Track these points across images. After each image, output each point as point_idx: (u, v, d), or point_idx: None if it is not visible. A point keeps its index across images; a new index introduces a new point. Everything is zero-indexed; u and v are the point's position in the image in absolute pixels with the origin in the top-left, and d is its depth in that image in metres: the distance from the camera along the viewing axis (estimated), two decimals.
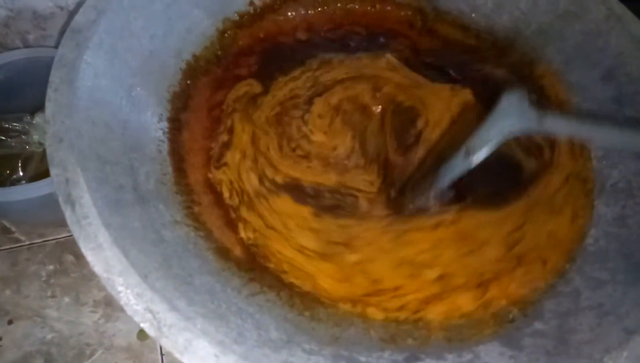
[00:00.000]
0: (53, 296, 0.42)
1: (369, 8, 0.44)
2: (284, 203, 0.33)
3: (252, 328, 0.25)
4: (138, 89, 0.33)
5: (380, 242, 0.32)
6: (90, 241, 0.24)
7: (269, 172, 0.34)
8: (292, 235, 0.32)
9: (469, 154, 0.30)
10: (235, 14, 0.41)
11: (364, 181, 0.35)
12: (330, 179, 0.35)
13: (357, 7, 0.43)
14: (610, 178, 0.33)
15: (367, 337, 0.28)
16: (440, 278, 0.30)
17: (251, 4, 0.41)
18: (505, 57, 0.41)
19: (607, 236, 0.30)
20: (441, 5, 0.43)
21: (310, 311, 0.29)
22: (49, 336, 0.40)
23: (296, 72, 0.40)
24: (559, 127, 0.30)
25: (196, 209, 0.31)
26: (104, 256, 0.24)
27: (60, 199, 0.25)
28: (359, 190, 0.35)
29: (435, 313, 0.29)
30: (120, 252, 0.24)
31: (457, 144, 0.31)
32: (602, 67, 0.36)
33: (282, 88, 0.39)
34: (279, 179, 0.34)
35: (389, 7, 0.43)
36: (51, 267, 0.43)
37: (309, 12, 0.43)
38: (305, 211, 0.33)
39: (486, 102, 0.35)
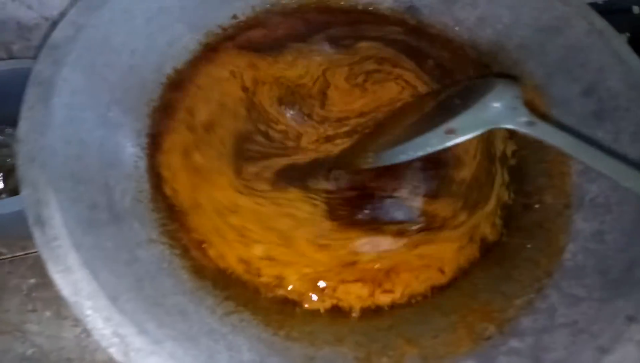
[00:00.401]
0: (34, 310, 0.42)
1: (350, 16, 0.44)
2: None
3: (223, 349, 0.25)
4: (116, 104, 0.33)
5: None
6: (59, 263, 0.24)
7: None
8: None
9: (450, 134, 0.28)
10: (219, 27, 0.40)
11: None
12: None
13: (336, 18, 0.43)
14: (589, 193, 0.33)
15: (342, 356, 0.28)
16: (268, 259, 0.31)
17: (234, 17, 0.41)
18: (488, 71, 0.41)
19: (585, 251, 0.30)
20: (425, 19, 0.43)
21: (286, 330, 0.28)
22: (30, 351, 0.40)
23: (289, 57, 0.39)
24: (551, 136, 0.28)
25: (172, 226, 0.31)
26: (72, 278, 0.24)
27: (30, 220, 0.25)
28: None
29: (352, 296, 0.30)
30: (90, 274, 0.24)
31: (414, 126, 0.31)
32: (583, 82, 0.36)
33: (292, 66, 0.39)
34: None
35: (368, 20, 0.43)
36: (32, 281, 0.43)
37: (294, 20, 0.43)
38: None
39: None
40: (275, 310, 0.30)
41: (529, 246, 0.32)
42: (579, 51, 0.37)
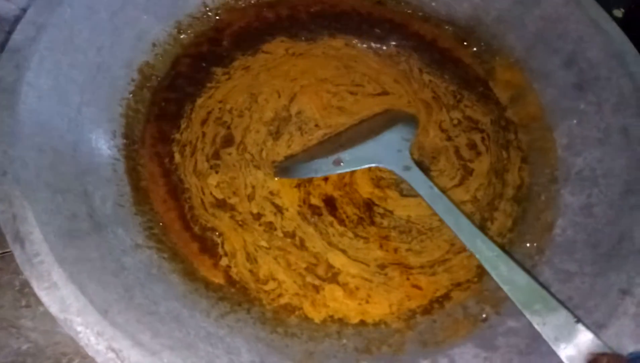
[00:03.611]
0: (27, 306, 0.40)
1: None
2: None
3: (222, 353, 0.25)
4: (87, 106, 0.31)
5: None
6: (43, 280, 0.23)
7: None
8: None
9: (338, 164, 0.31)
10: (189, 17, 0.39)
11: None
12: None
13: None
14: (575, 166, 0.33)
15: (342, 349, 0.27)
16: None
17: (205, 5, 0.39)
18: (467, 48, 0.40)
19: (574, 226, 0.31)
20: None
21: (283, 327, 0.28)
22: (25, 346, 0.39)
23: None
24: (417, 183, 0.31)
25: (157, 229, 0.30)
26: (59, 295, 0.23)
27: (8, 237, 0.24)
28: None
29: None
30: (77, 289, 0.23)
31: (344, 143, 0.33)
32: (562, 53, 0.36)
33: None
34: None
35: (347, 2, 0.42)
36: (25, 276, 0.41)
37: (264, 7, 0.41)
38: None
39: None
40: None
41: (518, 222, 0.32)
42: (557, 21, 0.37)
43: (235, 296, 0.29)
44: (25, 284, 0.40)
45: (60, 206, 0.26)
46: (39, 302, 0.39)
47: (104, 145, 0.31)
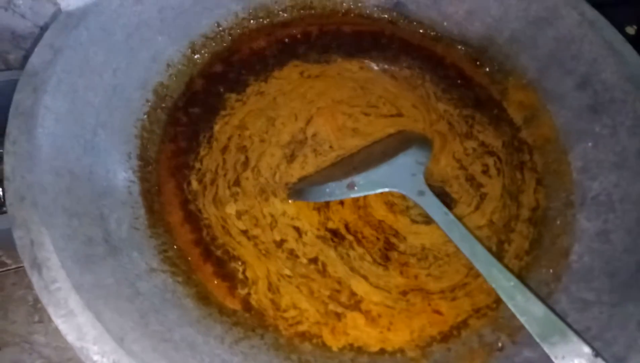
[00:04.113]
0: (40, 322, 0.41)
1: (339, 17, 0.43)
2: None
3: None
4: (103, 128, 0.31)
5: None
6: (60, 307, 0.23)
7: None
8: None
9: (352, 188, 0.31)
10: (202, 37, 0.39)
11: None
12: None
13: (325, 21, 0.42)
14: (591, 191, 0.33)
15: None
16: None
17: (218, 25, 0.40)
18: (480, 68, 0.40)
19: (591, 252, 0.30)
20: (412, 15, 0.42)
21: (297, 353, 0.28)
22: (38, 362, 0.39)
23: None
24: (431, 209, 0.31)
25: (172, 252, 0.30)
26: (76, 323, 0.23)
27: (26, 263, 0.24)
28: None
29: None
30: (94, 316, 0.23)
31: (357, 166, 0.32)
32: (576, 75, 0.36)
33: None
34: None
35: (358, 22, 0.42)
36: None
37: (278, 28, 0.42)
38: None
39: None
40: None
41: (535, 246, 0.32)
42: (571, 42, 0.37)
43: (249, 322, 0.29)
44: (38, 299, 0.41)
45: (77, 230, 0.26)
46: (51, 318, 0.40)
47: (119, 167, 0.32)
